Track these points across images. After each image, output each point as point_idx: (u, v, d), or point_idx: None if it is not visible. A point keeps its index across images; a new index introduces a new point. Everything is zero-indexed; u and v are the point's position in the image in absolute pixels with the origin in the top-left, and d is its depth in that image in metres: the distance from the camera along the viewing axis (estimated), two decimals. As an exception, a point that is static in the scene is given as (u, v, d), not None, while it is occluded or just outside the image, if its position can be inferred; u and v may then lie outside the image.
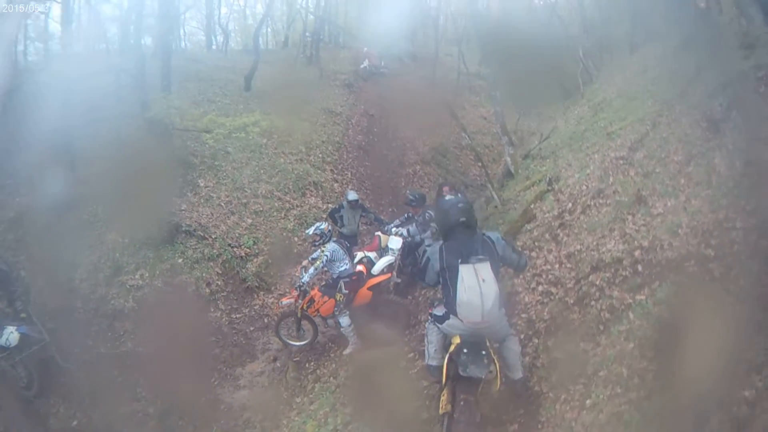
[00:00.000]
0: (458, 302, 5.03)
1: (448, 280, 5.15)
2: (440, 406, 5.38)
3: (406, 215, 10.43)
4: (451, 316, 5.19)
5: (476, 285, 4.98)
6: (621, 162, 8.88)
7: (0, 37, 11.01)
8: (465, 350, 5.08)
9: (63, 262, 10.02)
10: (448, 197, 6.49)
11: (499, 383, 5.24)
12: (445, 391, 5.33)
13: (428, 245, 8.74)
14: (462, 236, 5.30)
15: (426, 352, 5.71)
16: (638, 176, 8.12)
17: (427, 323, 5.88)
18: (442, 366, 5.34)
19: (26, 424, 7.91)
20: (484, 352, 5.09)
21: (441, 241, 5.45)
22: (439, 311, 5.44)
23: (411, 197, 10.12)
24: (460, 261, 5.08)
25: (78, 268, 10.03)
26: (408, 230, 9.93)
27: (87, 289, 9.81)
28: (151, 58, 13.20)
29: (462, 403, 5.27)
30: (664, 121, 9.22)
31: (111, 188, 11.28)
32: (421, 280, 5.66)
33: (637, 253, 6.43)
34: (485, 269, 5.06)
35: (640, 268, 6.21)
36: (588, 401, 5.13)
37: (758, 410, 4.07)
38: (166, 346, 9.30)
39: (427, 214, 9.78)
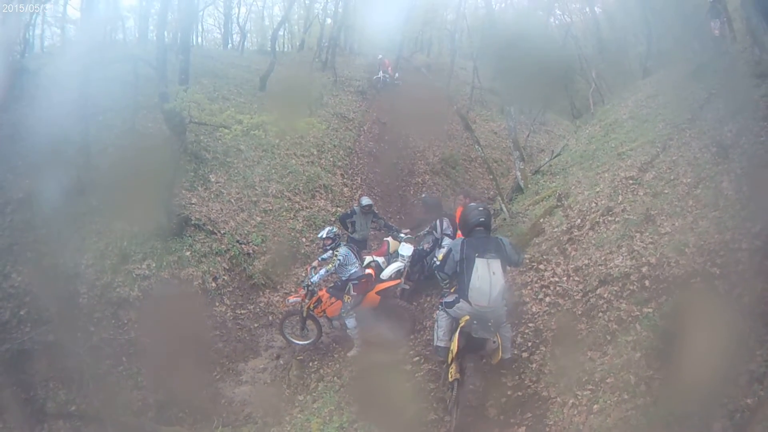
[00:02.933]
0: (471, 287, 6.01)
1: (464, 269, 6.09)
2: (450, 375, 6.20)
3: (429, 226, 10.39)
4: (461, 300, 6.15)
5: (488, 276, 5.97)
6: (631, 182, 9.01)
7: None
8: (475, 322, 6.06)
9: (69, 247, 9.97)
10: (471, 204, 7.04)
11: (500, 355, 6.10)
12: (454, 364, 6.17)
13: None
14: (480, 235, 6.28)
15: (435, 334, 6.65)
16: (647, 196, 8.28)
17: (437, 311, 6.71)
18: (449, 347, 6.31)
19: (23, 407, 7.92)
20: (490, 324, 6.06)
21: (463, 238, 6.39)
22: (450, 298, 6.41)
23: (426, 200, 10.41)
24: (477, 255, 6.05)
25: (85, 253, 9.96)
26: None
27: (92, 275, 9.72)
28: (169, 52, 13.19)
29: (468, 372, 6.30)
30: (674, 144, 9.34)
31: (123, 177, 11.27)
32: (440, 270, 6.47)
33: (644, 269, 6.63)
34: (496, 265, 6.05)
35: (647, 283, 6.42)
36: (595, 406, 5.31)
37: (759, 417, 4.25)
38: (170, 338, 9.32)
39: (441, 221, 9.88)
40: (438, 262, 6.76)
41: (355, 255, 9.08)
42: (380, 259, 10.15)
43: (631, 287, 6.49)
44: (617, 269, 6.90)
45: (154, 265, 10.18)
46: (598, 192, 9.43)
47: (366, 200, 10.95)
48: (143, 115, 13.14)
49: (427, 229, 10.21)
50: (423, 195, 12.43)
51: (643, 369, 5.30)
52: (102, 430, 7.61)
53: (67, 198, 10.33)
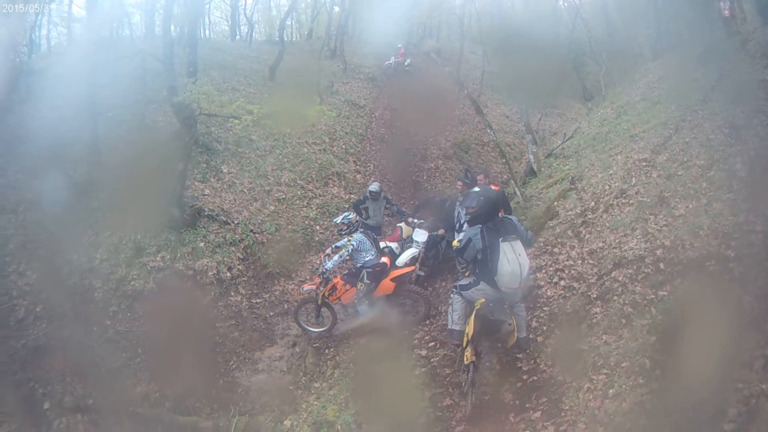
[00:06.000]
0: (500, 273, 5.98)
1: (489, 256, 6.05)
2: (465, 358, 6.25)
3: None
4: (481, 282, 6.20)
5: (516, 258, 5.97)
6: (644, 164, 9.00)
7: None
8: (491, 304, 6.16)
9: (83, 242, 10.00)
10: (490, 187, 7.03)
11: (515, 336, 6.20)
12: (469, 347, 6.23)
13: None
14: (496, 219, 6.29)
15: (450, 318, 6.71)
16: (661, 178, 8.26)
17: (452, 295, 6.72)
18: (464, 330, 6.43)
19: (41, 403, 7.95)
20: (506, 306, 6.19)
21: (479, 225, 6.25)
22: (465, 281, 6.51)
23: (468, 174, 9.77)
24: (501, 240, 6.04)
25: (98, 248, 9.98)
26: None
27: (107, 269, 9.75)
28: (176, 46, 13.14)
29: (484, 355, 6.39)
30: (687, 126, 9.28)
31: (134, 171, 11.39)
32: (460, 256, 6.57)
33: (659, 251, 6.60)
34: (518, 246, 6.09)
35: (662, 266, 6.39)
36: (611, 391, 5.32)
37: (775, 402, 4.21)
38: (185, 328, 9.39)
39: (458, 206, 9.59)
40: (456, 247, 6.69)
41: (371, 242, 9.04)
42: (393, 245, 10.17)
43: (646, 270, 6.47)
44: (632, 252, 6.89)
45: (168, 257, 10.18)
46: (611, 174, 9.43)
47: (374, 186, 10.97)
48: (153, 109, 13.27)
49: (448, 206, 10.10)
50: (464, 168, 12.21)
51: (659, 353, 5.30)
52: (119, 422, 7.65)
53: (79, 195, 10.34)
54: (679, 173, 8.00)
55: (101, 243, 10.06)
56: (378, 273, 8.89)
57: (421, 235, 9.90)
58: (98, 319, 9.06)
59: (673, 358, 5.11)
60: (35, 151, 10.83)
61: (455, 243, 6.99)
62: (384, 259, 9.12)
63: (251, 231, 11.64)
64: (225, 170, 12.89)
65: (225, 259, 10.73)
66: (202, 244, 10.71)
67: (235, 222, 11.55)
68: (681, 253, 6.38)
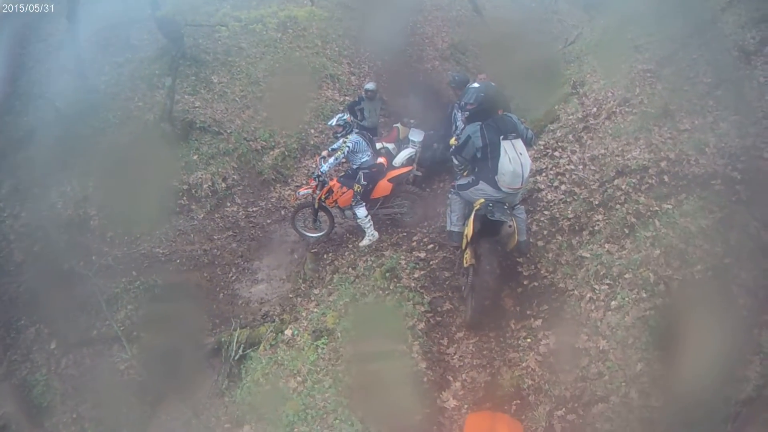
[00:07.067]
0: (501, 172, 5.84)
1: (489, 154, 5.92)
2: (464, 260, 6.27)
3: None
4: (480, 182, 6.04)
5: (517, 158, 5.81)
6: (648, 75, 8.77)
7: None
8: (490, 205, 5.92)
9: (76, 173, 9.78)
10: (490, 83, 6.74)
11: (515, 239, 6.03)
12: (468, 249, 6.25)
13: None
14: (496, 116, 6.07)
15: (448, 219, 6.70)
16: (666, 91, 8.08)
17: (449, 195, 6.64)
18: (463, 232, 6.41)
19: (48, 343, 8.02)
20: (506, 206, 5.99)
21: (478, 123, 6.06)
22: (463, 180, 6.39)
23: (455, 77, 9.55)
24: (502, 138, 5.87)
25: (91, 176, 9.78)
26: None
27: (101, 195, 9.61)
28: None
29: (483, 257, 6.06)
30: (694, 43, 8.96)
31: (122, 93, 11.29)
32: (458, 154, 6.43)
33: (663, 163, 6.59)
34: (519, 144, 5.93)
35: (666, 178, 6.40)
36: (613, 302, 5.38)
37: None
38: (183, 245, 9.48)
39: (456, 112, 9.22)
40: (455, 145, 6.55)
41: (367, 143, 8.80)
42: (390, 146, 10.10)
43: (650, 181, 6.48)
44: (635, 161, 6.87)
45: (162, 174, 10.05)
46: (614, 82, 9.22)
47: (370, 85, 10.60)
48: (137, 28, 12.78)
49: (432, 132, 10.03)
50: (450, 72, 11.89)
51: (662, 267, 5.35)
52: (123, 349, 7.69)
53: (68, 124, 10.20)
54: (685, 88, 7.83)
55: (94, 170, 9.85)
56: (375, 174, 8.74)
57: (416, 135, 9.78)
58: (96, 248, 9.04)
59: (677, 275, 5.17)
60: (21, 90, 10.61)
61: (453, 141, 6.87)
62: (381, 160, 8.94)
63: (245, 139, 11.45)
64: (215, 80, 12.49)
65: (219, 169, 10.63)
66: (195, 157, 10.61)
67: (228, 131, 11.34)
68: (686, 167, 6.38)
